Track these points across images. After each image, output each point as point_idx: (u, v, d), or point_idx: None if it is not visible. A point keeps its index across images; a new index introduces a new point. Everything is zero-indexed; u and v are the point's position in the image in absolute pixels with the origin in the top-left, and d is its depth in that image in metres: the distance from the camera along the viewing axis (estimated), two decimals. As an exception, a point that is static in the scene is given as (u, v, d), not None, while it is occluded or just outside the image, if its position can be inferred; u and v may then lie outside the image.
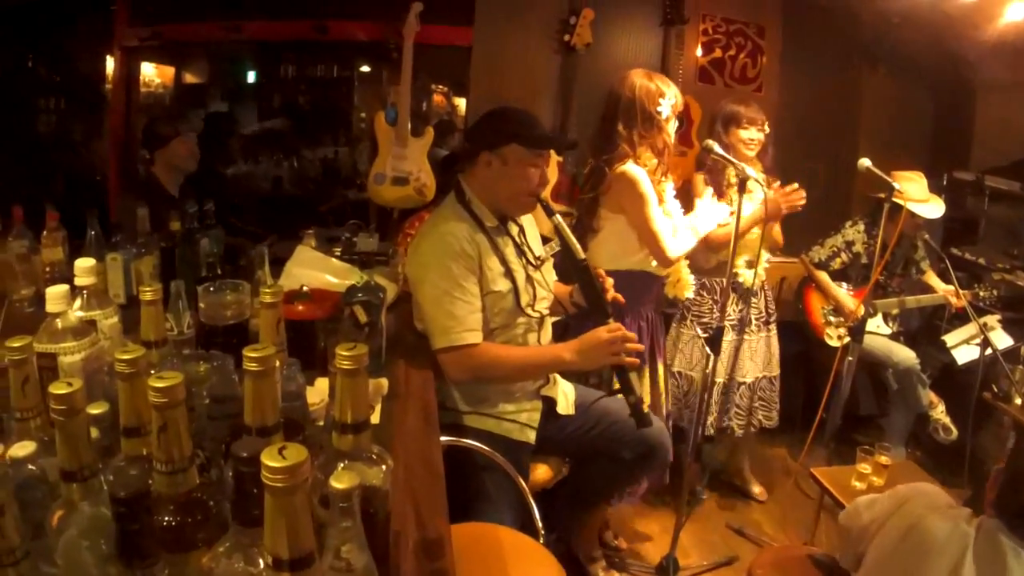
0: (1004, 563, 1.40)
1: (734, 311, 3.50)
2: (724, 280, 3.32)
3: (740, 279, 3.44)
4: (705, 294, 3.51)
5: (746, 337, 3.52)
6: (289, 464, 0.71)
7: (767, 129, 3.40)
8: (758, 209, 3.14)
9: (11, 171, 3.91)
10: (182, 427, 0.92)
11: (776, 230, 3.53)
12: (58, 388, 0.90)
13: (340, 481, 0.90)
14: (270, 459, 0.71)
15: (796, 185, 3.20)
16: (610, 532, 3.34)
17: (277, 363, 1.16)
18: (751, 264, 3.42)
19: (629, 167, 2.83)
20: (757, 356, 3.57)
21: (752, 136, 3.37)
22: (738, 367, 3.53)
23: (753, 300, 3.53)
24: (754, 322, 3.54)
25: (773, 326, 3.62)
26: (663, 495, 3.67)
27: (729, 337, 3.47)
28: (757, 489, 3.86)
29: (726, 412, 3.56)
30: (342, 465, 1.03)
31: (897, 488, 1.90)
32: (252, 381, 0.98)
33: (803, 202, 3.19)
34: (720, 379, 3.49)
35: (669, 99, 2.87)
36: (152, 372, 1.30)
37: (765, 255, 3.47)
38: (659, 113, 2.86)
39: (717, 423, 3.55)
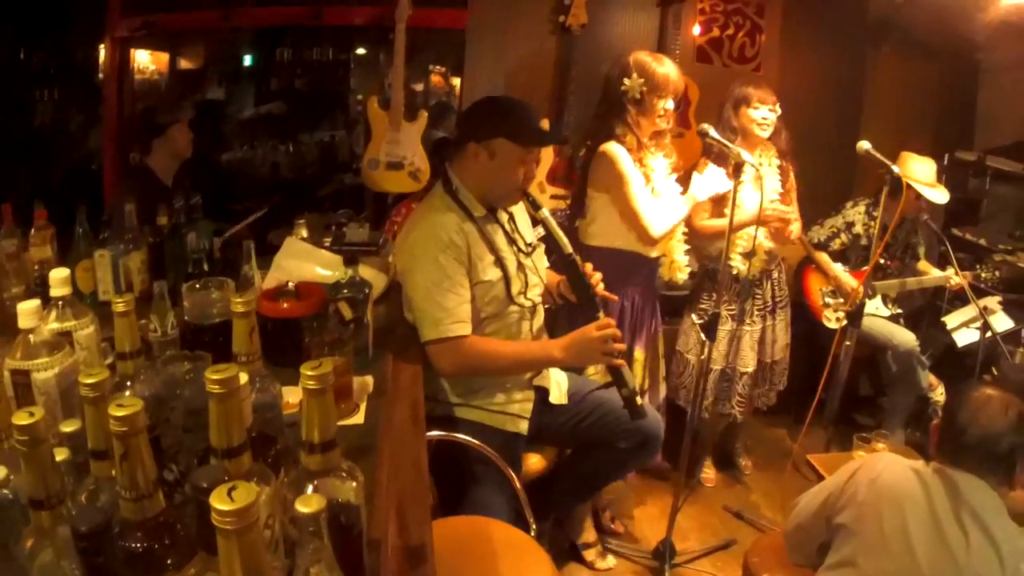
0: (958, 488, 1.75)
1: (733, 301, 3.43)
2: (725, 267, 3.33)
3: (735, 270, 3.34)
4: (707, 280, 3.44)
5: (747, 328, 3.43)
6: (237, 507, 0.70)
7: (778, 109, 3.28)
8: (749, 218, 3.09)
9: (6, 165, 3.90)
10: (144, 454, 0.91)
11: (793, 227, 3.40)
12: (20, 419, 0.89)
13: (307, 505, 0.90)
14: (219, 502, 0.71)
15: (793, 212, 3.26)
16: (607, 514, 3.35)
17: (244, 379, 1.15)
18: (748, 255, 3.33)
19: (609, 146, 2.81)
20: (762, 345, 3.49)
21: (764, 116, 3.24)
22: (739, 357, 3.46)
23: (757, 291, 3.43)
24: (755, 313, 3.45)
25: (781, 313, 3.52)
26: (661, 475, 3.69)
27: (728, 327, 3.40)
28: (744, 462, 3.89)
29: (727, 399, 3.50)
30: (311, 488, 1.03)
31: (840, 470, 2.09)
32: (216, 404, 0.97)
33: (791, 235, 3.24)
34: (717, 367, 3.42)
35: (665, 82, 2.83)
36: (127, 386, 1.32)
37: (766, 244, 3.37)
38: (651, 96, 2.82)
39: (713, 408, 3.50)
